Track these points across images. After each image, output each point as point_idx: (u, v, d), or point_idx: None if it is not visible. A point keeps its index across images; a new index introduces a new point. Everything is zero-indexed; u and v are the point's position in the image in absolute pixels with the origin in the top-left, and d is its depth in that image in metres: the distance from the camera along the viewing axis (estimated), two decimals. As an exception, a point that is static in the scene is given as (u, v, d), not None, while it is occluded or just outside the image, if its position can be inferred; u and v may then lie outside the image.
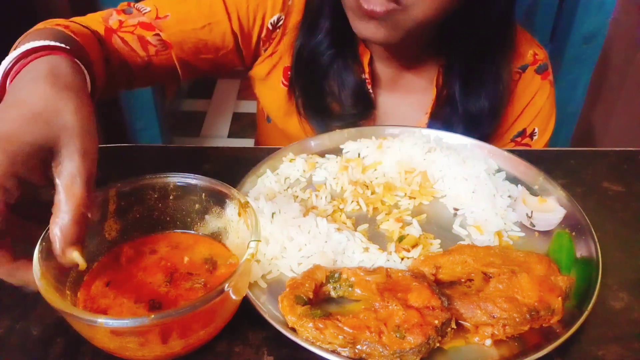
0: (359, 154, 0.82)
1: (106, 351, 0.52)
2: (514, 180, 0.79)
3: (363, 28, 0.81)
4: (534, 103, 1.01)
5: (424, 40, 0.93)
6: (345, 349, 0.53)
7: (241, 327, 0.58)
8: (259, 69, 1.01)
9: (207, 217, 0.64)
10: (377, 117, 0.99)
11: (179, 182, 0.63)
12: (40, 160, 0.49)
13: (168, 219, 0.65)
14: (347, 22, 0.85)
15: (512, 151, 0.83)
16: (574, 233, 0.70)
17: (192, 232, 0.65)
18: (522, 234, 0.71)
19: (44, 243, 0.52)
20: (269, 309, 0.58)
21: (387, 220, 0.71)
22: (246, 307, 0.58)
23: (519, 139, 1.02)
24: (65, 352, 0.55)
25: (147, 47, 0.89)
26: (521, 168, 0.80)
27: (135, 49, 0.89)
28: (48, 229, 0.50)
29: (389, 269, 0.61)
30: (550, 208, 0.71)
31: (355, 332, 0.54)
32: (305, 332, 0.54)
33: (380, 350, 0.52)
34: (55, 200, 0.49)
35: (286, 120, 1.02)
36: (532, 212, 0.70)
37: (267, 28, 0.96)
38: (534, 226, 0.71)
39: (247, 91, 3.03)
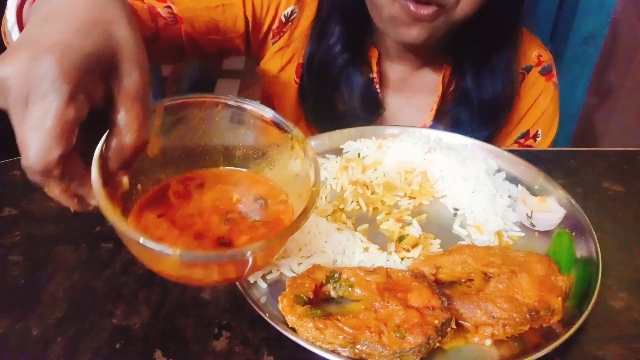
0: (359, 154, 0.82)
1: (166, 277, 0.52)
2: (514, 180, 0.79)
3: (405, 33, 0.83)
4: (538, 105, 1.00)
5: (442, 41, 0.92)
6: (345, 349, 0.53)
7: (241, 327, 0.58)
8: (270, 64, 0.99)
9: (253, 146, 0.61)
10: (384, 119, 0.99)
11: (229, 103, 0.59)
12: (100, 76, 0.44)
13: (212, 142, 0.61)
14: (358, 26, 0.84)
15: (512, 151, 0.83)
16: (574, 233, 0.70)
17: (238, 168, 0.62)
18: (522, 234, 0.71)
19: (100, 160, 0.47)
20: (269, 309, 0.58)
21: (387, 220, 0.71)
22: (246, 307, 0.58)
23: (522, 141, 1.02)
24: (65, 352, 0.55)
25: (157, 19, 0.86)
26: (521, 168, 0.80)
27: (144, 20, 0.84)
28: (103, 146, 0.46)
29: (389, 269, 0.61)
30: (550, 208, 0.71)
31: (355, 332, 0.54)
32: (305, 332, 0.54)
33: (380, 350, 0.52)
34: (116, 120, 0.45)
35: (295, 122, 1.01)
36: (532, 212, 0.70)
37: (280, 20, 0.95)
38: (534, 226, 0.71)
39: (247, 91, 3.03)
